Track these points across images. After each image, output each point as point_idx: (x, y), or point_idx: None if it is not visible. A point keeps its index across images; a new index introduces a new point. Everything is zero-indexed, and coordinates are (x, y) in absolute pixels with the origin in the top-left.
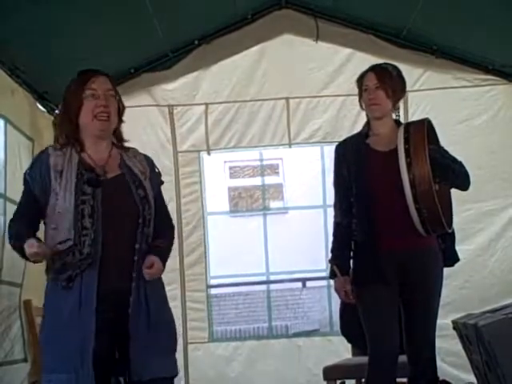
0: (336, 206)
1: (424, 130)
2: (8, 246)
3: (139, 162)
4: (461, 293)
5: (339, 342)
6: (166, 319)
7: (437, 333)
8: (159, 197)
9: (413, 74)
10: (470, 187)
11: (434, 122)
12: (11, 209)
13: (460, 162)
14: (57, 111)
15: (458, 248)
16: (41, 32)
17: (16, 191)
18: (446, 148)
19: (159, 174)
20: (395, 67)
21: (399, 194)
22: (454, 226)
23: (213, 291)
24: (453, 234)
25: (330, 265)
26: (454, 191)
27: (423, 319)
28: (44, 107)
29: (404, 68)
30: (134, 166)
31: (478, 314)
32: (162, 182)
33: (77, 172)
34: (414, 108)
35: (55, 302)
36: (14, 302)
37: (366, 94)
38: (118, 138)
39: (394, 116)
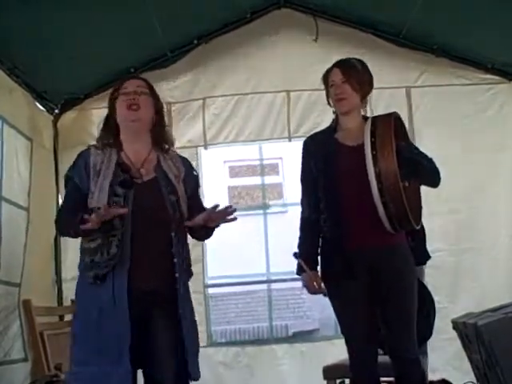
0: (303, 201)
1: (391, 123)
2: (5, 246)
3: (174, 164)
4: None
5: (343, 344)
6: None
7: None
8: (196, 196)
9: (415, 70)
10: (470, 185)
11: (436, 119)
12: (7, 209)
13: (430, 159)
14: (57, 111)
15: (462, 246)
16: (40, 31)
17: (12, 191)
18: (449, 144)
19: (196, 177)
20: (360, 61)
21: (367, 189)
22: (459, 224)
23: (214, 291)
24: (422, 231)
25: (296, 260)
26: (455, 191)
27: (398, 319)
28: (43, 106)
29: (405, 66)
30: (169, 170)
31: (478, 313)
32: (199, 185)
33: (113, 173)
34: (416, 105)
35: (87, 298)
36: (13, 301)
37: (333, 90)
38: (155, 139)
39: (361, 111)
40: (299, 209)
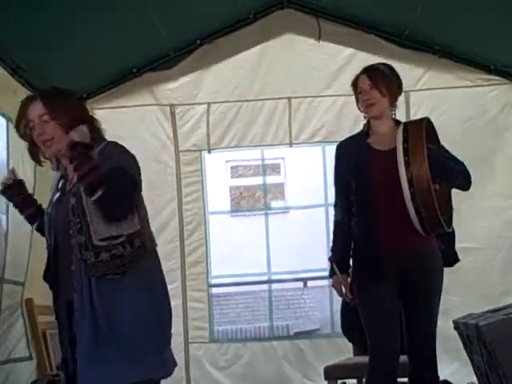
0: (337, 204)
1: (423, 129)
2: (12, 245)
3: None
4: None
5: (344, 344)
6: (118, 323)
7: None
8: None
9: (414, 73)
10: (472, 186)
11: (436, 122)
12: (14, 209)
13: (461, 162)
14: None
15: (464, 245)
16: (42, 32)
17: None
18: (451, 144)
19: (108, 153)
20: (388, 66)
21: (399, 193)
22: (459, 224)
23: (214, 291)
24: (453, 233)
25: (329, 263)
26: (457, 191)
27: (423, 320)
28: None
29: (406, 67)
30: None
31: (479, 313)
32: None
33: (53, 193)
34: (416, 108)
35: None
36: (16, 300)
37: (362, 96)
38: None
39: (391, 115)
40: (301, 209)
